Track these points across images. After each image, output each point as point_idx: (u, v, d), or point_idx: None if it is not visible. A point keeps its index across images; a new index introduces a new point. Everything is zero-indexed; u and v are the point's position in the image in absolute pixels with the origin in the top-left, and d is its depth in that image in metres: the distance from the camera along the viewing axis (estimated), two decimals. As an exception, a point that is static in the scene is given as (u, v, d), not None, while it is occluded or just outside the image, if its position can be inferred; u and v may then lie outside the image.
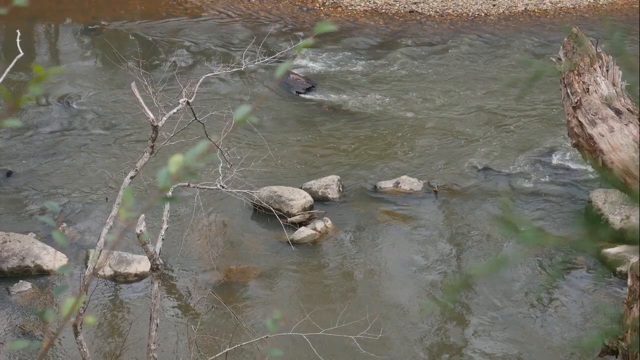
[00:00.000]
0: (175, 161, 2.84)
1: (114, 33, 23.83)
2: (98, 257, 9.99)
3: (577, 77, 14.61)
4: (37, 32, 24.36)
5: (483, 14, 25.02)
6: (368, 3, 25.34)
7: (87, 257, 14.93)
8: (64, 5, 25.36)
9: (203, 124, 11.30)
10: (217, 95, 19.96)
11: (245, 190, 13.08)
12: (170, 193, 10.71)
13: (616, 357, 11.01)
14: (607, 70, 14.94)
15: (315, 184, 17.25)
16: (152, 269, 10.09)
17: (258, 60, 12.79)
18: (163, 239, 10.41)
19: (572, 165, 17.73)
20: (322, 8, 25.18)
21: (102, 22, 24.33)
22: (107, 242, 9.66)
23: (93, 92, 20.96)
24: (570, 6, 25.24)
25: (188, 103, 11.24)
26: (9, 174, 17.87)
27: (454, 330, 14.00)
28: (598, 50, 14.81)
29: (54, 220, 3.21)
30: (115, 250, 9.99)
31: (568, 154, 17.78)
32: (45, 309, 2.86)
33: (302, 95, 21.02)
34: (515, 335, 13.77)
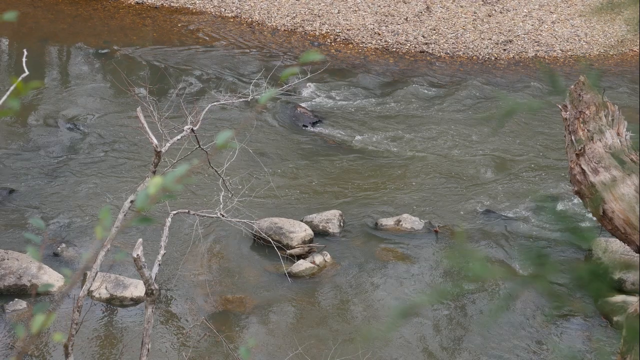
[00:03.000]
0: (155, 183, 2.87)
1: (125, 58, 23.94)
2: (93, 279, 9.99)
3: (581, 125, 14.61)
4: (48, 53, 24.49)
5: (493, 58, 25.10)
6: (379, 41, 25.45)
7: (83, 279, 14.95)
8: (77, 28, 25.49)
9: (207, 152, 11.33)
10: (223, 125, 20.01)
11: (245, 220, 13.10)
12: (176, 217, 10.74)
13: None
14: (613, 120, 14.93)
15: (316, 217, 17.25)
16: (146, 293, 10.10)
17: (264, 91, 12.83)
18: (160, 265, 10.42)
19: (574, 213, 17.72)
20: (333, 44, 25.28)
21: (114, 47, 24.44)
22: (101, 263, 9.69)
23: (100, 116, 21.05)
24: (581, 54, 25.32)
25: (192, 131, 11.27)
26: (11, 192, 17.92)
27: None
28: (604, 99, 14.82)
29: (38, 237, 3.23)
30: (96, 269, 9.98)
31: (571, 201, 17.77)
32: (22, 325, 2.88)
33: (309, 129, 21.08)
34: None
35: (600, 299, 14.70)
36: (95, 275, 10.01)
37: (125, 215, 10.33)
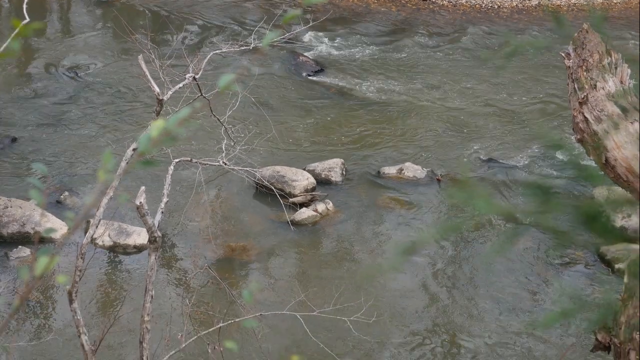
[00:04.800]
0: (157, 126, 2.85)
1: (126, 6, 23.82)
2: (97, 227, 9.99)
3: (585, 73, 14.58)
4: (49, 1, 24.36)
5: (496, 6, 24.97)
6: (382, -11, 25.30)
7: (87, 226, 15.00)
8: (78, -24, 25.34)
9: (209, 100, 11.31)
10: (225, 73, 19.92)
11: (247, 169, 13.10)
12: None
13: (608, 353, 11.05)
14: (616, 68, 14.91)
15: (318, 166, 17.27)
16: (149, 241, 10.11)
17: (268, 41, 12.74)
18: (163, 212, 10.42)
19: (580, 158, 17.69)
20: (335, -8, 25.13)
21: (115, -5, 24.33)
22: (103, 210, 9.71)
23: (101, 64, 21.00)
24: (584, 2, 25.17)
25: (194, 79, 11.23)
26: (14, 140, 17.93)
27: (447, 317, 14.04)
28: (608, 47, 14.78)
29: (41, 183, 3.23)
30: (99, 216, 9.98)
31: (573, 149, 17.73)
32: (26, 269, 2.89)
33: (311, 78, 21.02)
34: (509, 322, 13.81)
35: (602, 238, 14.73)
36: (99, 223, 10.02)
37: (127, 163, 10.32)
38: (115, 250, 15.10)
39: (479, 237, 15.70)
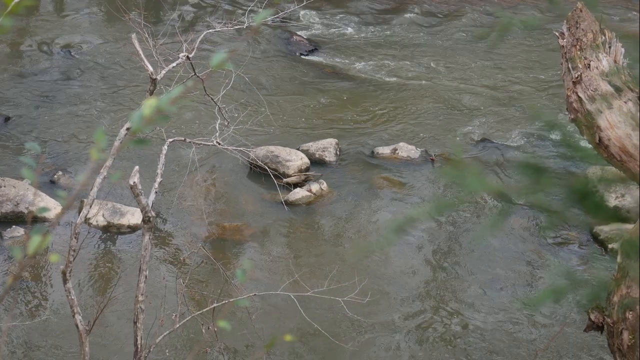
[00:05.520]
0: (149, 104, 2.83)
1: (120, -15, 23.73)
2: (90, 206, 9.98)
3: (578, 52, 14.58)
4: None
5: (491, -15, 24.93)
6: (376, -32, 25.22)
7: (80, 206, 14.99)
8: (71, -46, 25.23)
9: (202, 79, 11.28)
10: (218, 52, 19.86)
11: (241, 148, 13.08)
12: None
13: (601, 333, 11.08)
14: (610, 47, 14.90)
15: (312, 146, 17.26)
16: (143, 221, 10.10)
17: (260, 19, 12.70)
18: (156, 192, 10.41)
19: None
20: (329, -29, 25.06)
21: (108, -26, 24.24)
22: (98, 189, 9.70)
23: (95, 43, 20.94)
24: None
25: (188, 58, 11.20)
26: (6, 119, 17.89)
27: (440, 296, 14.07)
28: (602, 26, 14.76)
29: (34, 161, 3.22)
30: (92, 196, 9.95)
31: (568, 129, 17.72)
32: (19, 248, 2.89)
33: (304, 57, 20.98)
34: (501, 301, 13.84)
35: (595, 217, 14.73)
36: (92, 202, 10.00)
37: (121, 142, 10.30)
38: (109, 230, 15.10)
39: (472, 216, 15.71)
